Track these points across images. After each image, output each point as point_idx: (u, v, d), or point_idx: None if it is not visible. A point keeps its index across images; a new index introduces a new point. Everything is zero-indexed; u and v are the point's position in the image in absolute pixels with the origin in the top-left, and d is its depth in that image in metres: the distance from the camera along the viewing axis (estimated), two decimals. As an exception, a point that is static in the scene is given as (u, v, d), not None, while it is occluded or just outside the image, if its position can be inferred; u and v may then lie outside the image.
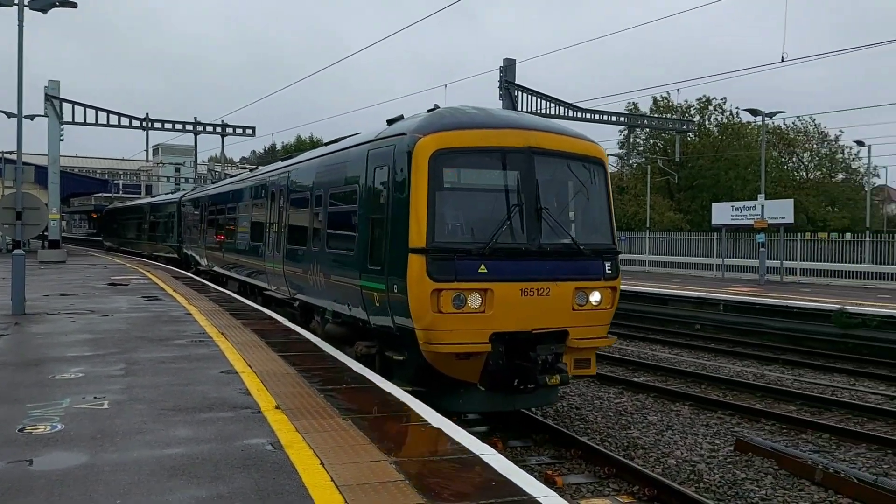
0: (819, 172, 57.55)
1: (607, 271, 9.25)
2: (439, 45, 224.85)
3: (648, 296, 24.22)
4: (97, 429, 5.93)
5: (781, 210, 30.36)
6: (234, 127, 44.05)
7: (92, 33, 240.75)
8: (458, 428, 6.23)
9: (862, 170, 55.02)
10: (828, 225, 49.14)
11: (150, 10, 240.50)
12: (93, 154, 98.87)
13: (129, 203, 56.82)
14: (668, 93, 51.72)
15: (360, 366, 9.03)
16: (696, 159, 52.90)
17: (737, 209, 32.40)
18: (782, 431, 10.53)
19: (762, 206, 30.46)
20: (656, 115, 49.49)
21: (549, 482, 7.34)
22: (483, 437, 6.56)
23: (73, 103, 36.31)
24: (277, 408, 6.65)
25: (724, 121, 54.58)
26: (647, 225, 44.69)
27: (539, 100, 29.12)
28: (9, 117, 33.75)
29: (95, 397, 7.01)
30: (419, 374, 8.90)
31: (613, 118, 35.14)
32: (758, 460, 9.04)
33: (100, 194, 78.36)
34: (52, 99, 34.98)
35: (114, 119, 37.63)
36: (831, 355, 17.10)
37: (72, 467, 4.99)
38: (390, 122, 10.11)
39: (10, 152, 35.86)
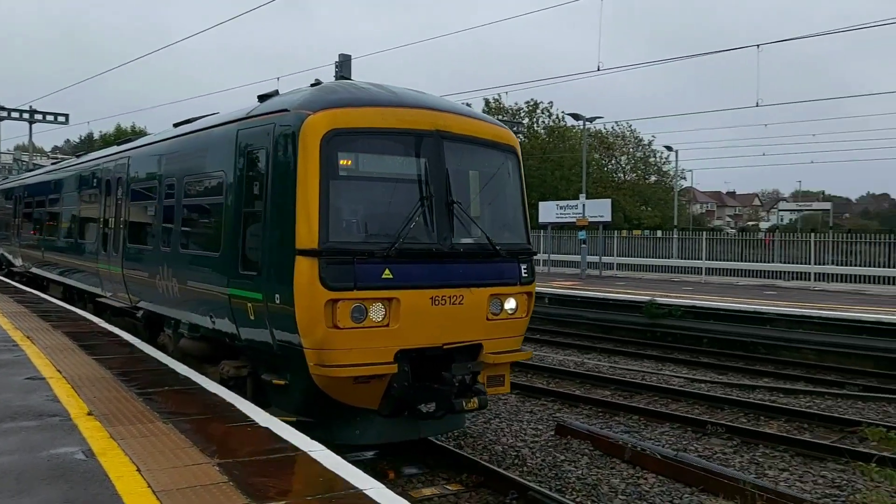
0: (635, 174, 62.20)
1: (523, 275, 8.22)
2: (272, 38, 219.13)
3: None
4: None
5: (601, 209, 32.45)
6: (45, 113, 40.54)
7: None
8: (286, 426, 6.16)
9: (671, 172, 60.18)
10: (642, 223, 53.30)
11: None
12: None
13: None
14: (499, 95, 53.77)
15: (186, 368, 8.53)
16: (525, 160, 55.21)
17: (561, 208, 34.24)
18: (598, 415, 11.32)
19: (583, 205, 32.43)
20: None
21: (380, 475, 7.44)
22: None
23: None
24: (90, 414, 6.24)
25: (551, 124, 57.56)
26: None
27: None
28: None
29: None
30: (306, 402, 7.51)
31: (447, 118, 35.88)
32: (575, 442, 9.66)
33: None
34: None
35: None
36: (642, 343, 18.60)
37: None
38: (263, 97, 8.61)
39: None
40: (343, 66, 26.05)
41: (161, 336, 10.73)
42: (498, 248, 7.91)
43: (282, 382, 7.59)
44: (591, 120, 38.02)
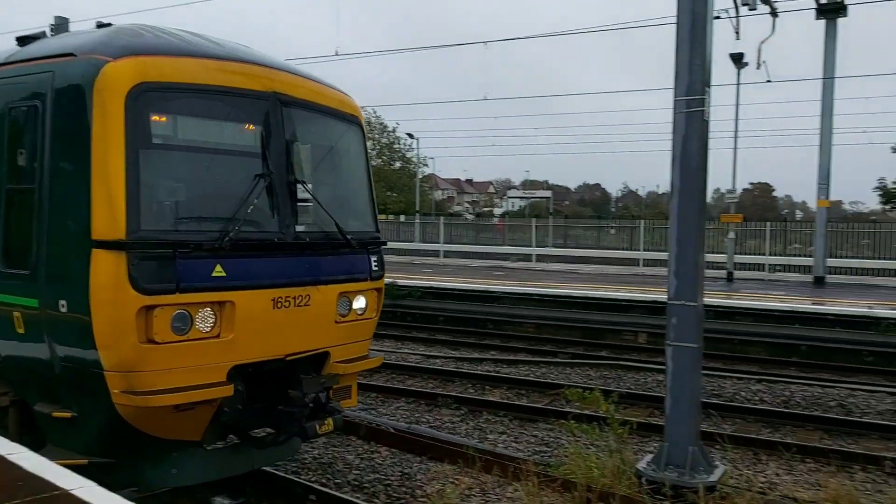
0: (381, 160, 63.72)
1: (374, 268, 7.09)
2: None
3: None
4: None
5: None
6: None
7: None
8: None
9: (414, 159, 62.61)
10: (388, 208, 54.82)
11: None
12: None
13: None
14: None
15: None
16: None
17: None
18: (337, 395, 11.56)
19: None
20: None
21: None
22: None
23: None
24: None
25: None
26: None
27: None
28: None
29: None
30: (104, 439, 5.85)
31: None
32: (313, 424, 9.78)
33: None
34: None
35: None
36: (384, 323, 19.24)
37: None
38: (24, 40, 6.64)
39: None
40: (59, 28, 23.41)
41: None
42: (350, 237, 6.69)
43: (66, 415, 5.78)
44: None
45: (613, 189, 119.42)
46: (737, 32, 14.06)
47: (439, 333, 18.08)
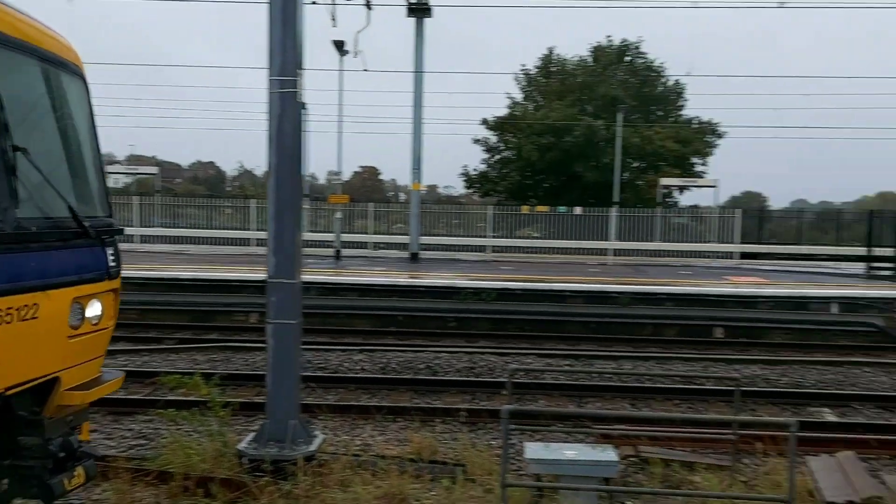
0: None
1: (111, 264, 5.41)
2: None
3: None
4: None
5: None
6: None
7: None
8: None
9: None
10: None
11: None
12: None
13: None
14: None
15: None
16: None
17: None
18: None
19: None
20: None
21: None
22: None
23: None
24: None
25: None
26: None
27: None
28: None
29: None
30: None
31: None
32: None
33: None
34: None
35: None
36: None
37: None
38: None
39: None
40: None
41: None
42: (88, 225, 5.02)
43: None
44: None
45: (229, 168, 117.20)
46: (333, 19, 14.68)
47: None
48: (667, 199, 40.54)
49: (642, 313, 17.89)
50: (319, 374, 11.83)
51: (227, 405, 7.62)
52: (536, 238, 33.36)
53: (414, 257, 27.58)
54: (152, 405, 9.51)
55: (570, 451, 6.47)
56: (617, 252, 31.11)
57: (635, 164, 43.00)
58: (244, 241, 31.01)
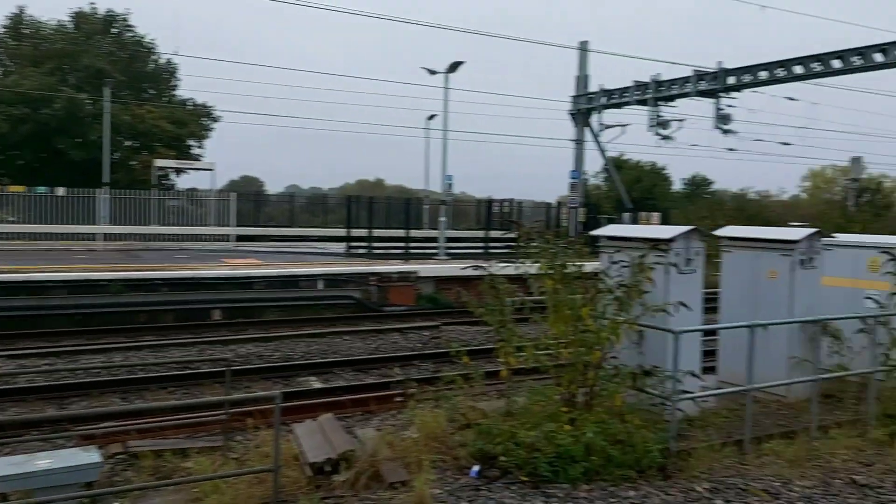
0: None
1: None
2: None
3: None
4: None
5: None
6: None
7: None
8: None
9: None
10: None
11: None
12: None
13: None
14: None
15: None
16: None
17: None
18: None
19: None
20: None
21: None
22: None
23: None
24: None
25: None
26: None
27: None
28: None
29: None
30: None
31: None
32: None
33: None
34: None
35: None
36: None
37: None
38: None
39: None
40: None
41: None
42: None
43: None
44: None
45: None
46: None
47: None
48: (163, 182, 39.27)
49: (136, 301, 16.93)
50: None
51: None
52: (12, 222, 28.96)
53: None
54: None
55: (45, 461, 5.69)
56: (108, 237, 28.94)
57: (128, 144, 40.59)
58: None
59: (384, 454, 6.12)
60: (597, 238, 8.08)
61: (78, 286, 16.78)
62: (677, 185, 55.95)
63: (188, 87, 57.36)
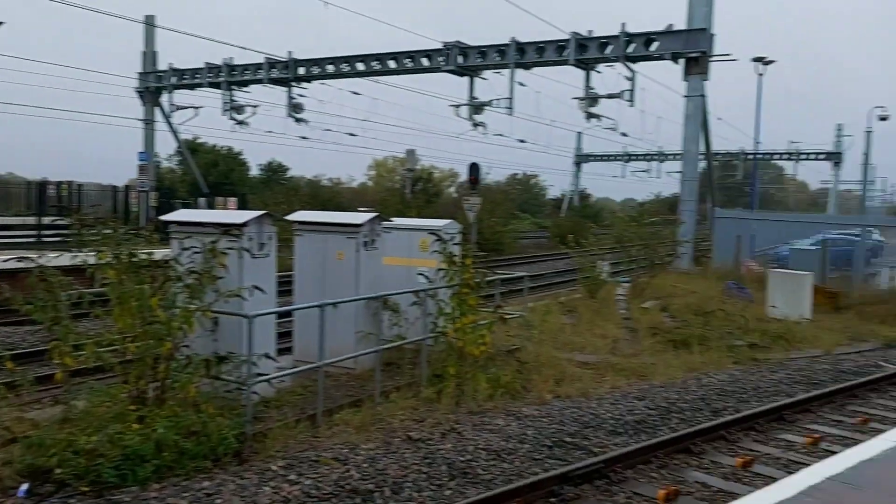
0: None
1: None
2: None
3: None
4: None
5: None
6: None
7: None
8: None
9: None
10: None
11: None
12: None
13: None
14: None
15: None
16: None
17: None
18: None
19: None
20: None
21: None
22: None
23: None
24: None
25: None
26: None
27: None
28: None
29: None
30: None
31: None
32: None
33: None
34: None
35: None
36: None
37: None
38: None
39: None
40: None
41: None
42: None
43: None
44: None
45: None
46: None
47: None
48: None
49: None
50: None
51: None
52: None
53: None
54: None
55: None
56: None
57: None
58: None
59: None
60: (168, 224, 7.66)
61: None
62: (255, 171, 56.23)
63: None
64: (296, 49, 30.54)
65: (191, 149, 40.39)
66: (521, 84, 26.08)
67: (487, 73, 26.32)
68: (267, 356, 7.06)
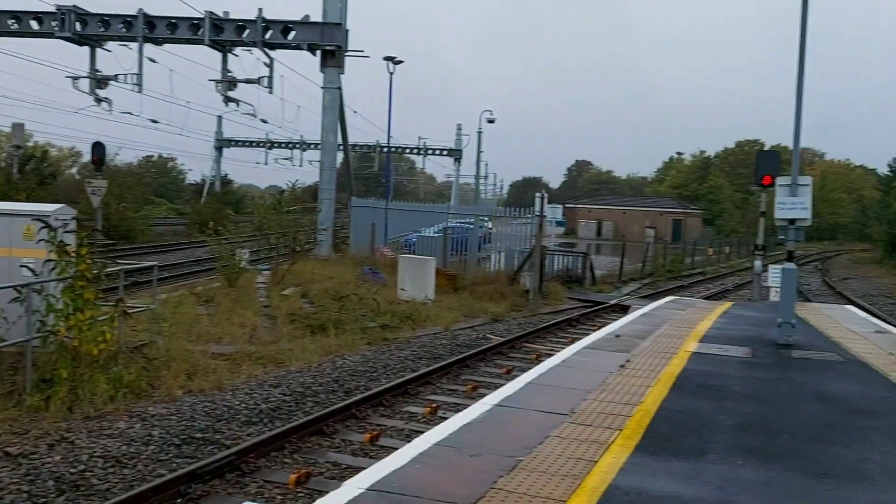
0: None
1: None
2: None
3: None
4: None
5: None
6: None
7: None
8: None
9: None
10: None
11: None
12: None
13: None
14: None
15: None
16: None
17: None
18: None
19: None
20: None
21: None
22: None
23: None
24: None
25: None
26: None
27: None
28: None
29: None
30: None
31: None
32: None
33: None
34: None
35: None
36: None
37: None
38: None
39: None
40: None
41: None
42: None
43: None
44: None
45: None
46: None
47: None
48: None
49: None
50: None
51: None
52: None
53: None
54: None
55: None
56: None
57: None
58: None
59: None
60: None
61: None
62: None
63: None
64: None
65: None
66: (152, 60, 24.38)
67: (112, 45, 24.05)
68: None
